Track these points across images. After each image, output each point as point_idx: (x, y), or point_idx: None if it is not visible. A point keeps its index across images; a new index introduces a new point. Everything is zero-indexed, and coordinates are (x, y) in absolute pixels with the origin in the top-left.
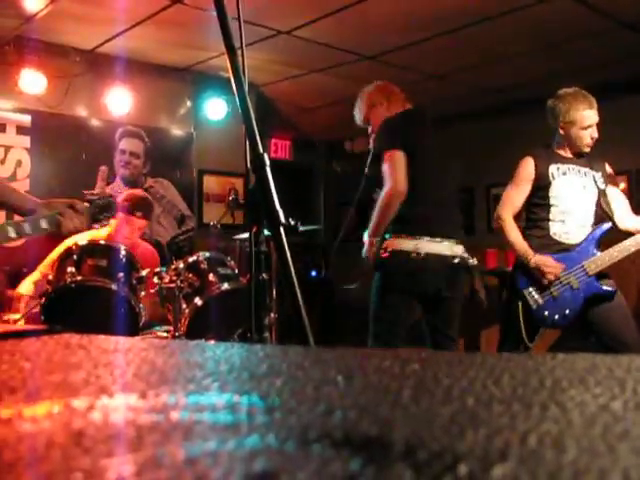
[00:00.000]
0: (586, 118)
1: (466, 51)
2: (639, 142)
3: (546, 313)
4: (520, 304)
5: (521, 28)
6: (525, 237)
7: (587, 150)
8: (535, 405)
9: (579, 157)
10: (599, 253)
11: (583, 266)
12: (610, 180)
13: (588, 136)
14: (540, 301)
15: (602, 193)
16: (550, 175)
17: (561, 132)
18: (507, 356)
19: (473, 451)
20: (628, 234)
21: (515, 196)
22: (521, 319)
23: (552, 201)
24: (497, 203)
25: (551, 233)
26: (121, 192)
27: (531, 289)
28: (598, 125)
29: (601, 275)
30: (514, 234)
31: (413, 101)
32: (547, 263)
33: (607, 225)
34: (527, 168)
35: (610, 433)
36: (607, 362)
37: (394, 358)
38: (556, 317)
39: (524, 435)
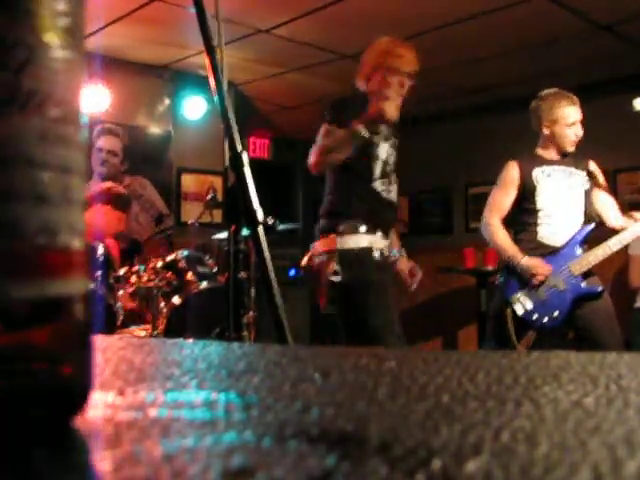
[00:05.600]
0: (569, 115)
1: (446, 50)
2: (616, 142)
3: (535, 316)
4: (509, 310)
5: (502, 28)
6: (514, 241)
7: (572, 149)
8: (509, 401)
9: (564, 157)
10: (583, 254)
11: (568, 267)
12: (593, 179)
13: (572, 134)
14: (529, 305)
15: (588, 192)
16: (534, 179)
17: (546, 132)
18: (482, 354)
19: (447, 446)
20: (614, 232)
21: (502, 200)
22: (510, 324)
23: (539, 205)
24: (476, 203)
25: (539, 237)
26: None
27: (519, 294)
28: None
29: (587, 274)
30: (502, 236)
31: None
32: (536, 264)
33: (590, 226)
34: (511, 172)
35: (582, 428)
36: (581, 359)
37: (371, 356)
38: (545, 320)
39: (497, 430)
